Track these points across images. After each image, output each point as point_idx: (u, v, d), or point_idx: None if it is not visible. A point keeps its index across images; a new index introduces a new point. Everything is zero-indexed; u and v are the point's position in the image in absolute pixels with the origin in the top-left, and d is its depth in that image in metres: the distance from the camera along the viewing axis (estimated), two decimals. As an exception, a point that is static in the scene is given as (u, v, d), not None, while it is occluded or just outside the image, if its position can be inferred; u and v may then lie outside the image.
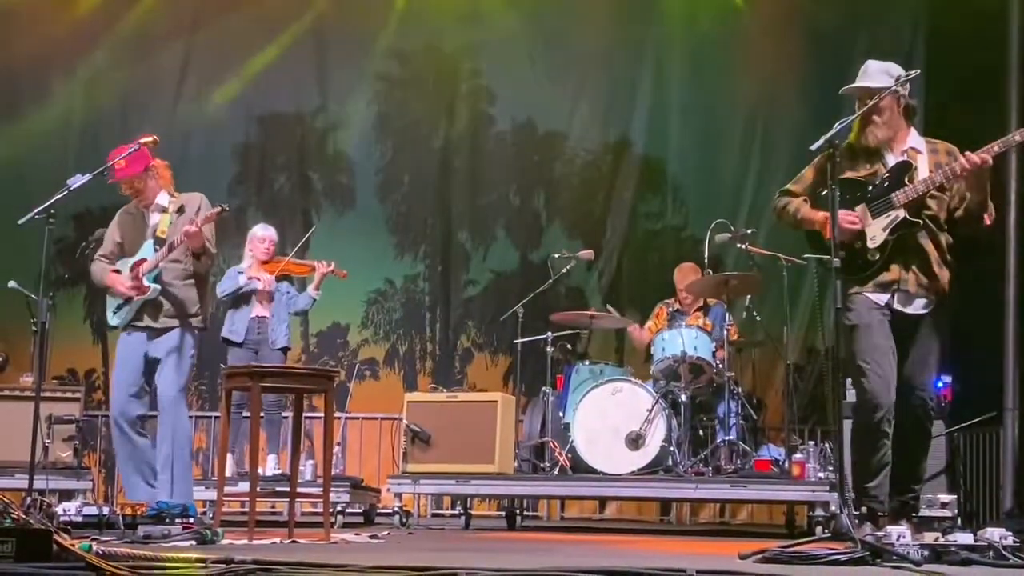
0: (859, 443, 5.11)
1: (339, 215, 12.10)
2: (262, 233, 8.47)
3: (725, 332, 7.90)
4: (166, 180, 6.25)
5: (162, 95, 11.67)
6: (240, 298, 8.26)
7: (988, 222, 5.14)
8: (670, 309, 8.61)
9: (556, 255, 8.89)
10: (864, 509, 4.98)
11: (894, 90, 5.05)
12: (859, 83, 5.17)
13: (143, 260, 6.10)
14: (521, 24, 11.96)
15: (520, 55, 11.94)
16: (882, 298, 5.09)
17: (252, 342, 8.22)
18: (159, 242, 6.08)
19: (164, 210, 6.19)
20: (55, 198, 5.62)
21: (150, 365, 6.14)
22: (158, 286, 6.06)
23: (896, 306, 5.08)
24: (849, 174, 5.16)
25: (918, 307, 5.11)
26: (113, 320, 6.26)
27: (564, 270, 8.80)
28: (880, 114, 5.10)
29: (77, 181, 5.71)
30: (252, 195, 11.77)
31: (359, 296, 11.92)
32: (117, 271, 6.19)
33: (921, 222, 5.06)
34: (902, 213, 5.04)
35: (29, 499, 4.94)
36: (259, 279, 8.22)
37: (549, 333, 8.42)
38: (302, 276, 8.58)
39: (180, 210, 6.18)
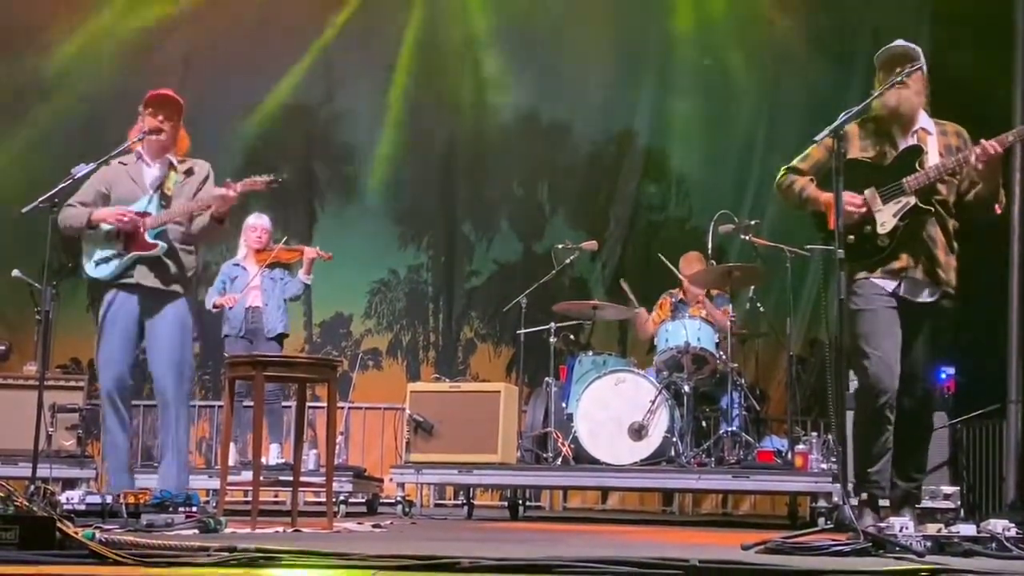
0: (861, 428, 5.10)
1: (343, 206, 12.13)
2: (255, 222, 8.51)
3: (729, 320, 7.89)
4: (183, 144, 5.97)
5: (165, 86, 11.64)
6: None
7: (999, 210, 5.12)
8: (674, 300, 8.61)
9: (559, 246, 8.87)
10: (865, 495, 4.98)
11: (920, 66, 5.02)
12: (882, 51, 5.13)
13: (146, 214, 5.71)
14: (525, 15, 11.96)
15: (525, 46, 11.94)
16: (890, 285, 5.07)
17: (248, 332, 8.27)
18: (164, 198, 5.75)
19: (172, 167, 5.86)
20: (59, 187, 5.59)
21: (141, 335, 5.74)
22: (164, 245, 5.68)
23: (904, 294, 5.06)
24: (858, 154, 5.12)
25: (925, 296, 5.09)
26: (95, 272, 5.76)
27: (567, 261, 8.78)
28: (915, 82, 5.08)
29: (82, 170, 5.66)
30: (257, 187, 11.74)
31: (363, 286, 11.96)
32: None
33: (932, 209, 5.04)
34: (913, 199, 5.00)
35: (33, 487, 4.95)
36: (226, 302, 8.21)
37: (552, 324, 8.41)
38: (292, 262, 8.58)
39: (188, 172, 5.89)
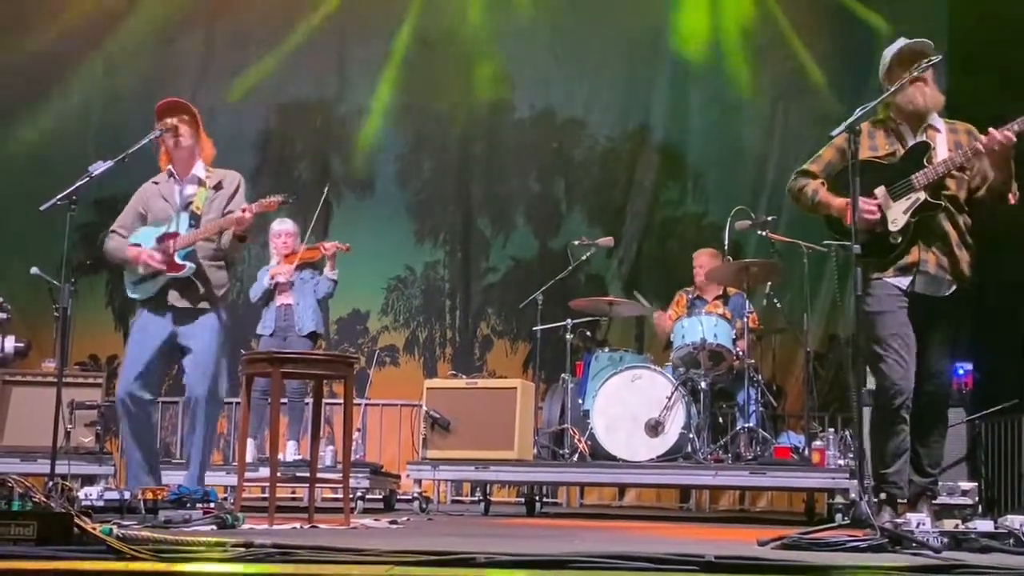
0: (878, 429, 5.10)
1: (359, 202, 12.13)
2: (278, 228, 8.55)
3: (746, 320, 7.88)
4: (208, 153, 6.02)
5: (183, 83, 11.69)
6: (269, 295, 8.39)
7: (1013, 201, 5.11)
8: (690, 296, 8.60)
9: (576, 242, 8.87)
10: (883, 495, 4.97)
11: (937, 60, 5.00)
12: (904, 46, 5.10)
13: (175, 234, 5.83)
14: (540, 10, 11.95)
15: (540, 42, 11.93)
16: (903, 282, 5.06)
17: (280, 329, 8.32)
18: (194, 217, 5.84)
19: (201, 183, 5.92)
20: (77, 184, 5.60)
21: (174, 350, 5.85)
22: (193, 265, 5.79)
23: (917, 290, 5.06)
24: (868, 153, 5.11)
25: (939, 291, 5.08)
26: (134, 293, 5.94)
27: (584, 257, 8.79)
28: (931, 79, 5.06)
29: (99, 168, 5.67)
30: (273, 182, 11.75)
31: (379, 283, 11.97)
32: (137, 245, 5.88)
33: (942, 203, 5.04)
34: (923, 195, 5.01)
35: (51, 484, 4.97)
36: (280, 273, 8.32)
37: (568, 320, 8.42)
38: (315, 260, 8.61)
39: (217, 186, 5.93)
